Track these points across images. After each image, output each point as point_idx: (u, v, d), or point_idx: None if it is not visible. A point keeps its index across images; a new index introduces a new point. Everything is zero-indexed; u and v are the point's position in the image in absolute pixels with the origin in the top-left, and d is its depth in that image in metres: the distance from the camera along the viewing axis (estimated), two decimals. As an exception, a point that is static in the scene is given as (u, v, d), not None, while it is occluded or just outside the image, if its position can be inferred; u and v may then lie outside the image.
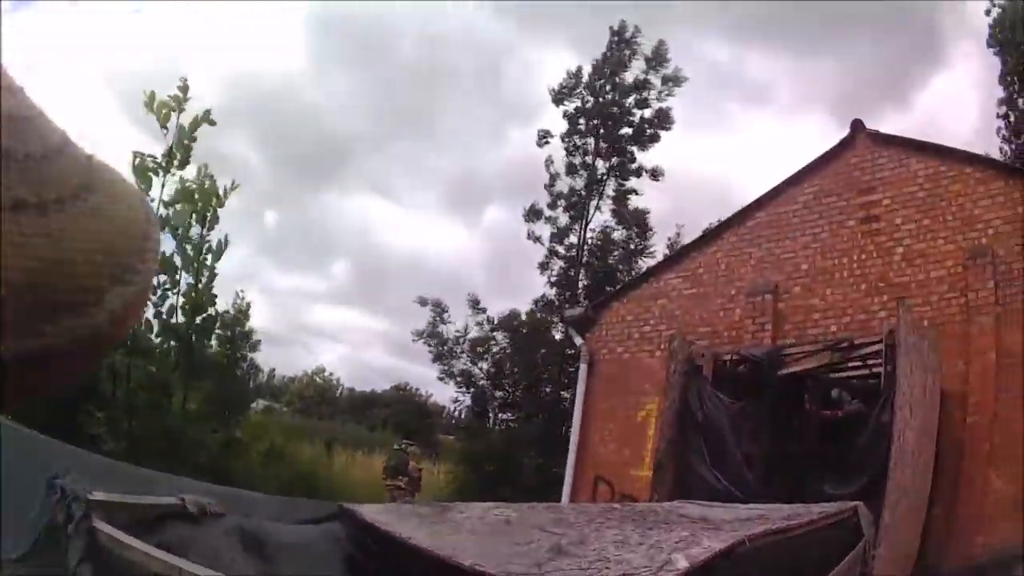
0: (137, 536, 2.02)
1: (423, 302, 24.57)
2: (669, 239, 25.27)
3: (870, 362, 10.60)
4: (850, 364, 11.11)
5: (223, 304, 14.67)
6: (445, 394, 43.90)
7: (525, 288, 23.61)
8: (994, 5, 26.86)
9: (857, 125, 13.34)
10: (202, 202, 13.20)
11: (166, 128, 12.87)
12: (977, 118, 48.35)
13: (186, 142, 12.97)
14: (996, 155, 24.80)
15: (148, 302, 0.61)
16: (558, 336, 23.01)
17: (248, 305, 17.37)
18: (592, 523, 3.66)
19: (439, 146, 57.56)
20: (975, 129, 43.75)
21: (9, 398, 0.54)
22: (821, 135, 59.78)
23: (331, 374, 49.38)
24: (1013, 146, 26.34)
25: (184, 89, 12.96)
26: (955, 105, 50.23)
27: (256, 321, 22.83)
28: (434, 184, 60.51)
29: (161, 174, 12.73)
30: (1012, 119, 26.85)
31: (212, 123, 13.32)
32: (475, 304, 24.51)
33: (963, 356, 11.21)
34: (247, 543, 2.44)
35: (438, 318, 24.29)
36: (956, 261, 11.90)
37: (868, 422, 9.62)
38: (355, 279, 66.34)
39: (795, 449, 11.17)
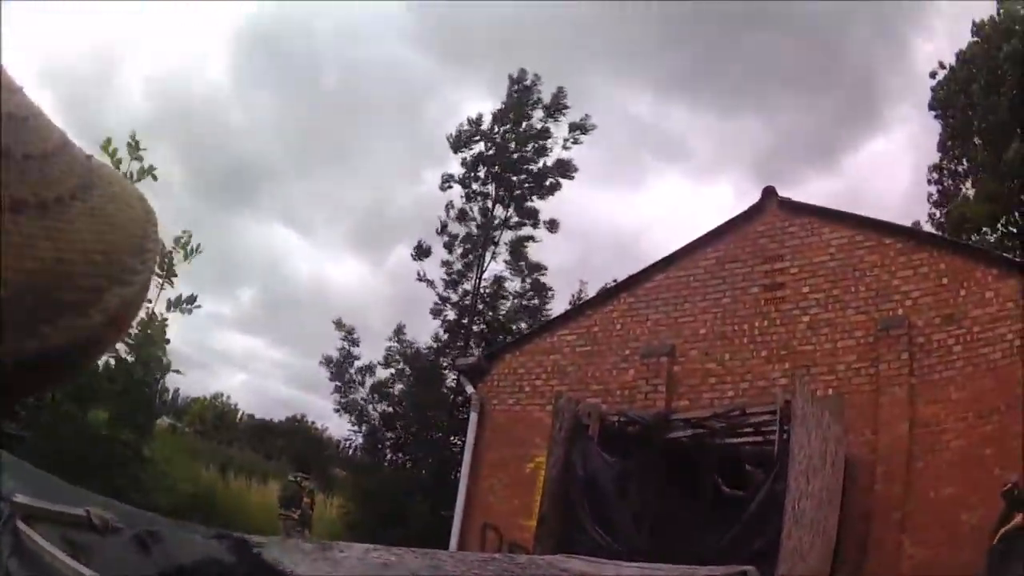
0: (49, 540, 2.03)
1: (339, 325, 24.34)
2: (572, 295, 25.63)
3: (764, 430, 10.42)
4: (744, 431, 10.96)
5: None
6: (341, 428, 43.79)
7: (426, 330, 23.78)
8: (941, 67, 27.33)
9: (768, 191, 13.48)
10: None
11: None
12: (909, 183, 48.91)
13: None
14: (925, 221, 25.89)
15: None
16: (450, 381, 23.07)
17: (165, 327, 17.40)
18: (469, 574, 3.66)
19: (354, 179, 57.25)
20: (906, 194, 45.11)
21: (6, 399, 0.55)
22: (738, 195, 61.08)
23: (229, 398, 48.95)
24: (942, 211, 26.77)
25: (134, 147, 13.19)
26: (887, 169, 51.12)
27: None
28: (344, 218, 60.18)
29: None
30: (944, 185, 27.40)
31: (154, 178, 13.56)
32: (399, 331, 24.43)
33: (871, 426, 11.54)
34: (148, 552, 2.42)
35: (349, 345, 24.10)
36: (866, 331, 12.08)
37: (761, 489, 9.53)
38: (260, 307, 65.32)
39: (686, 511, 10.94)
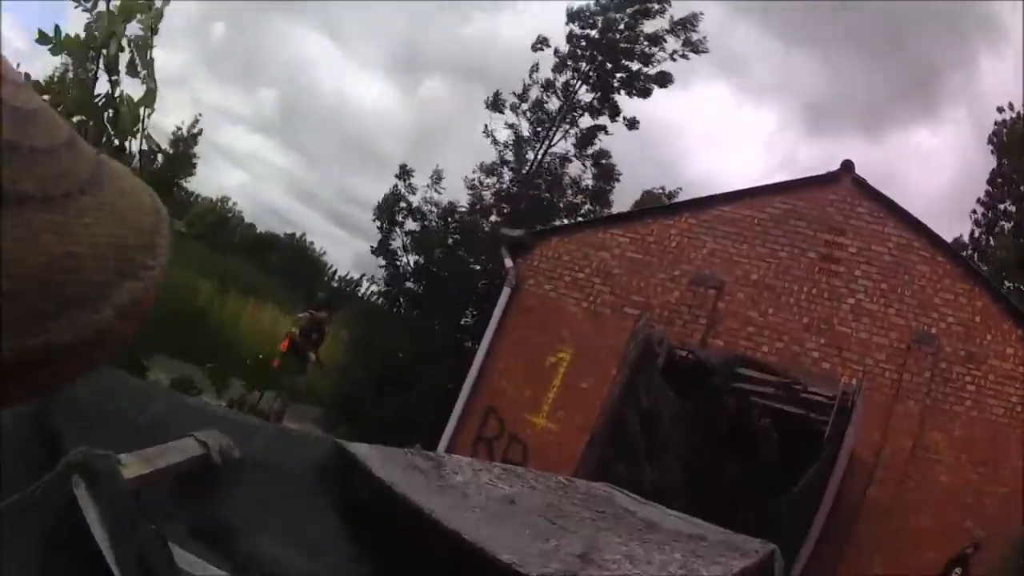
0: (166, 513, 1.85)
1: (403, 170, 23.31)
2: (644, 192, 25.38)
3: (814, 411, 10.76)
4: (793, 403, 11.24)
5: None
6: (338, 252, 43.38)
7: (449, 172, 22.65)
8: (1010, 108, 27.49)
9: (847, 164, 13.49)
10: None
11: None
12: (944, 184, 48.86)
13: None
14: (966, 240, 26.69)
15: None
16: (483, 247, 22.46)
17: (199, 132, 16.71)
18: (578, 513, 3.37)
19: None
20: (936, 195, 45.25)
21: (13, 396, 0.55)
22: (780, 125, 59.86)
23: (235, 204, 47.57)
24: (984, 239, 27.48)
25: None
26: (927, 162, 51.47)
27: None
28: (382, 38, 58.89)
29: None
30: (988, 217, 27.83)
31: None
32: (437, 179, 23.44)
33: (881, 429, 11.83)
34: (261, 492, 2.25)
35: (405, 189, 23.24)
36: (901, 336, 12.40)
37: (807, 472, 9.68)
38: (277, 110, 64.52)
39: (729, 464, 11.13)
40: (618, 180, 24.64)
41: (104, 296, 0.55)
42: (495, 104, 24.18)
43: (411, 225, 23.21)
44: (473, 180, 23.73)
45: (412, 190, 23.17)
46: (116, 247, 0.56)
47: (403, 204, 23.12)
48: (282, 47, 64.96)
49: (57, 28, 4.33)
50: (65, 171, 0.54)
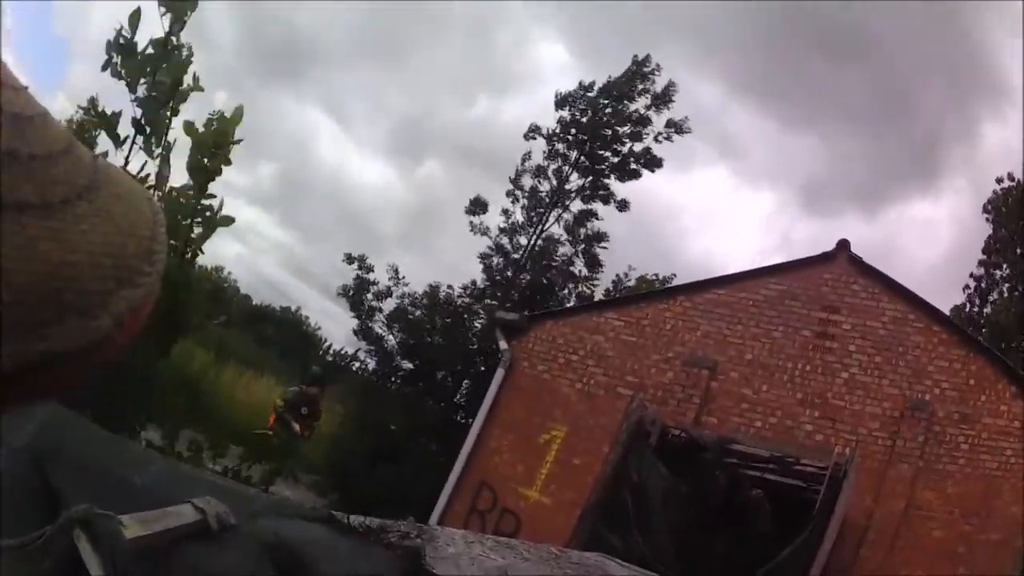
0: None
1: (349, 259, 23.92)
2: (616, 276, 25.33)
3: (808, 480, 11.12)
4: (786, 475, 11.53)
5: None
6: (333, 329, 43.45)
7: (435, 252, 22.80)
8: (1009, 179, 28.23)
9: (842, 244, 13.74)
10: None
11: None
12: (940, 255, 49.17)
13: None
14: (963, 306, 27.55)
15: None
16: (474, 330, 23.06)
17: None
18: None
19: (403, 84, 56.95)
20: (933, 266, 45.07)
21: (10, 404, 0.54)
22: (778, 206, 60.48)
23: (230, 274, 47.46)
24: (980, 307, 28.13)
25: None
26: (924, 234, 51.79)
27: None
28: (383, 120, 59.75)
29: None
30: (983, 285, 28.46)
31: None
32: (395, 273, 23.94)
33: (873, 493, 11.89)
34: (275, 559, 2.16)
35: (363, 275, 23.70)
36: (894, 405, 12.53)
37: (797, 538, 9.84)
38: (277, 185, 64.98)
39: (718, 536, 11.24)
40: (602, 267, 25.00)
41: (102, 304, 0.55)
42: (477, 205, 24.85)
43: (388, 304, 23.78)
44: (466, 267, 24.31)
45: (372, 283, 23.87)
46: (114, 254, 0.56)
47: (370, 290, 23.71)
48: (284, 122, 65.62)
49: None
50: (63, 178, 0.55)
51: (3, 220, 0.48)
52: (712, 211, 55.61)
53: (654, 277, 26.39)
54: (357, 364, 26.63)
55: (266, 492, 9.43)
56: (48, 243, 0.51)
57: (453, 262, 35.84)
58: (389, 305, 23.69)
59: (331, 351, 37.78)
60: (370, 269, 23.74)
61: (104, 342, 0.55)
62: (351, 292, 23.61)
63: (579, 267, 24.71)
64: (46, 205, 0.51)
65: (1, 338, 0.48)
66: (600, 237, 24.61)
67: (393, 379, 23.49)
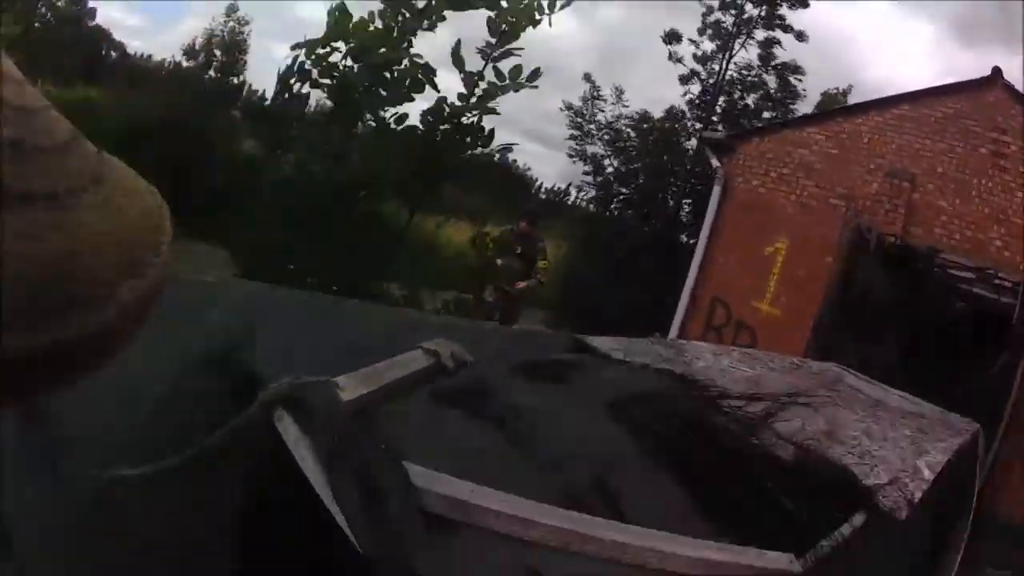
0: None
1: (587, 77, 24.22)
2: (822, 92, 25.24)
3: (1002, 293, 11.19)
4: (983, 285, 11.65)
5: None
6: (538, 168, 43.70)
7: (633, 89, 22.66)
8: None
9: (996, 72, 13.52)
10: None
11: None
12: None
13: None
14: None
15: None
16: (687, 152, 23.15)
17: None
18: (819, 392, 3.61)
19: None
20: None
21: (14, 397, 0.54)
22: (936, 37, 56.07)
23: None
24: None
25: None
26: None
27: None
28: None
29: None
30: None
31: None
32: (620, 94, 24.10)
33: None
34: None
35: (593, 98, 24.02)
36: None
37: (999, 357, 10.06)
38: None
39: (930, 348, 11.34)
40: (803, 95, 24.61)
41: (108, 295, 0.55)
42: (672, 36, 24.57)
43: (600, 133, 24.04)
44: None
45: (602, 100, 24.09)
46: (119, 245, 0.56)
47: (593, 113, 24.00)
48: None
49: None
50: (68, 169, 0.54)
51: (8, 211, 0.49)
52: (878, 42, 52.08)
53: (835, 90, 26.04)
54: (572, 196, 27.06)
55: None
56: (54, 234, 0.51)
57: (648, 99, 34.99)
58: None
59: (543, 189, 38.27)
60: (601, 98, 24.04)
61: (108, 334, 0.56)
62: (573, 109, 23.98)
63: (773, 90, 24.52)
64: (51, 196, 0.52)
65: (7, 329, 0.48)
66: (796, 69, 24.24)
67: (612, 205, 23.85)
